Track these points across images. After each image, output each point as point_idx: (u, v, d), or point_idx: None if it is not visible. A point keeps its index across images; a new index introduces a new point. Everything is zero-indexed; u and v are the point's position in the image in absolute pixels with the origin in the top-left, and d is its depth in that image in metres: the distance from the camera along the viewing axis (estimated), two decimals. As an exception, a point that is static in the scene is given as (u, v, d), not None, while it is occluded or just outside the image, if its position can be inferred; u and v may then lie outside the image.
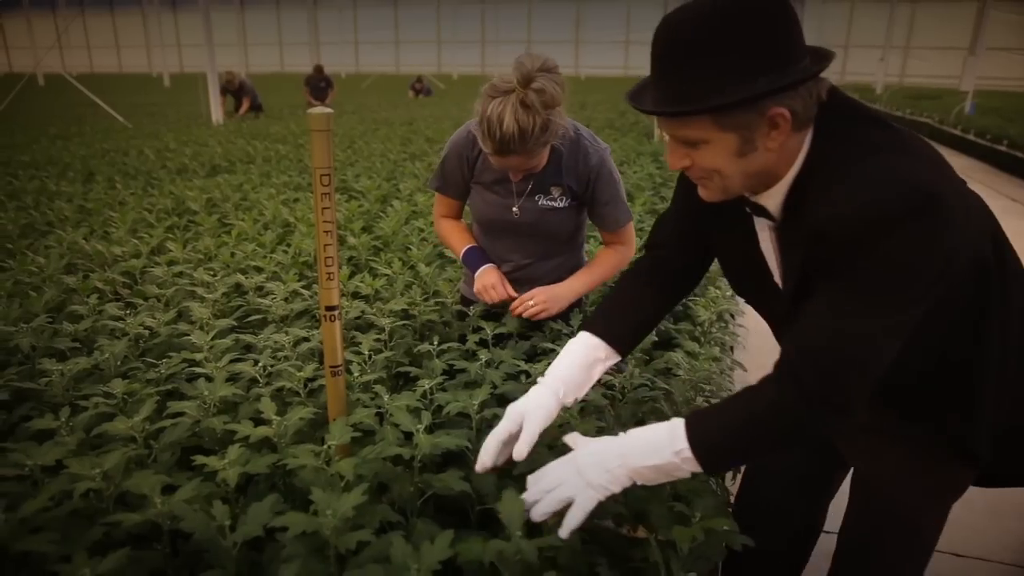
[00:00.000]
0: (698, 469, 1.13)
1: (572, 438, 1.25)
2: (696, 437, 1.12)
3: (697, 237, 1.44)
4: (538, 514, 1.16)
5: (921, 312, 1.06)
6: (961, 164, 11.14)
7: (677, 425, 1.14)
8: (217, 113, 9.89)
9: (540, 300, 1.98)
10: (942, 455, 1.32)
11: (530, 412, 1.32)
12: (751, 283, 1.37)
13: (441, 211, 2.22)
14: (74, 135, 8.00)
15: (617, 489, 1.15)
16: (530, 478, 1.21)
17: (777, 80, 1.00)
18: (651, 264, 1.52)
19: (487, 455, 1.30)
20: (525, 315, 1.99)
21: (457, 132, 2.08)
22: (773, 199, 1.18)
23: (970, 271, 1.16)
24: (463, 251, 2.13)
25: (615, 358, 1.43)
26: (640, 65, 33.21)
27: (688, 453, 1.11)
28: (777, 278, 1.30)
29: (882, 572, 1.49)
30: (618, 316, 1.45)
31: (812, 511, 1.70)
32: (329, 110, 1.22)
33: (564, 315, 2.08)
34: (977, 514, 2.69)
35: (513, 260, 2.13)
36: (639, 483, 1.16)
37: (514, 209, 2.03)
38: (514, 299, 2.02)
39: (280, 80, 26.98)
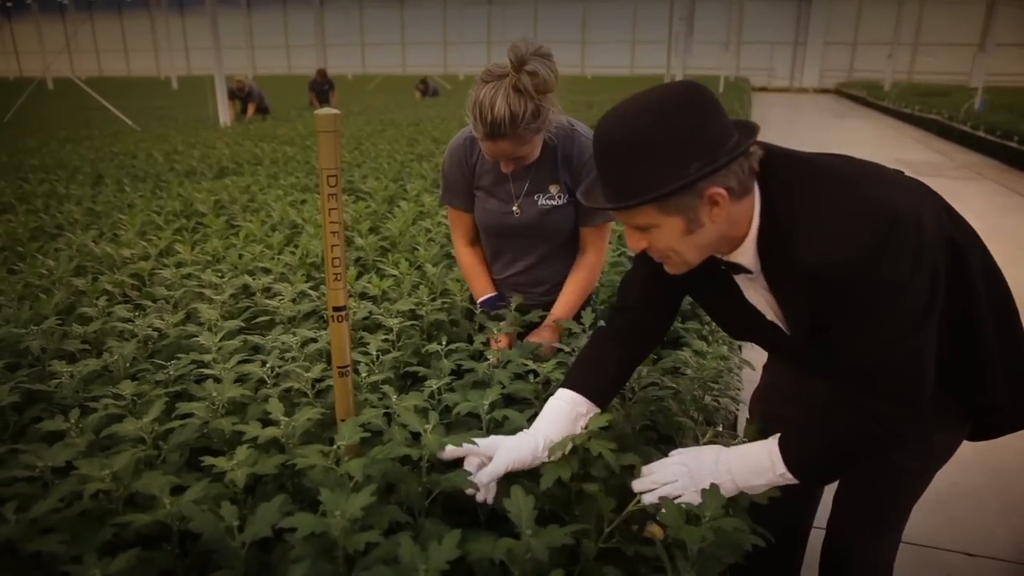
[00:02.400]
0: (795, 482, 1.29)
1: (678, 451, 1.38)
2: (794, 464, 1.26)
3: (664, 298, 1.52)
4: (647, 501, 1.29)
5: (938, 308, 1.18)
6: (971, 161, 11.07)
7: (774, 451, 1.28)
8: (225, 115, 9.93)
9: (545, 340, 1.99)
10: (956, 420, 1.48)
11: (504, 449, 1.37)
12: (744, 326, 1.46)
13: (458, 232, 2.18)
14: (83, 138, 8.04)
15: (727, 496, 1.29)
16: (644, 468, 1.34)
17: (708, 165, 1.10)
18: (621, 325, 1.55)
19: (449, 454, 1.37)
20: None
21: (453, 140, 2.07)
22: (744, 256, 1.27)
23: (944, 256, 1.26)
24: (480, 300, 2.15)
25: (595, 410, 1.48)
26: (646, 64, 33.18)
27: (790, 476, 1.27)
28: (772, 317, 1.38)
29: (880, 519, 1.66)
30: (592, 373, 1.50)
31: (806, 509, 1.89)
32: (336, 111, 1.22)
33: (575, 316, 2.07)
34: (990, 514, 2.67)
35: (520, 263, 2.13)
36: (748, 494, 1.32)
37: (514, 208, 2.02)
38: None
39: (287, 82, 27.07)
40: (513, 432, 1.46)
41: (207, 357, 1.81)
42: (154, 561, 1.17)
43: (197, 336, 1.96)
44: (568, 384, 1.48)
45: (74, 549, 1.12)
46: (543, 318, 2.07)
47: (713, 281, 1.38)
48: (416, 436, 1.39)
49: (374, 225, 3.39)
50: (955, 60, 27.38)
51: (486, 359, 1.80)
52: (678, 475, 1.30)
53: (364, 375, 1.68)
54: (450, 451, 1.35)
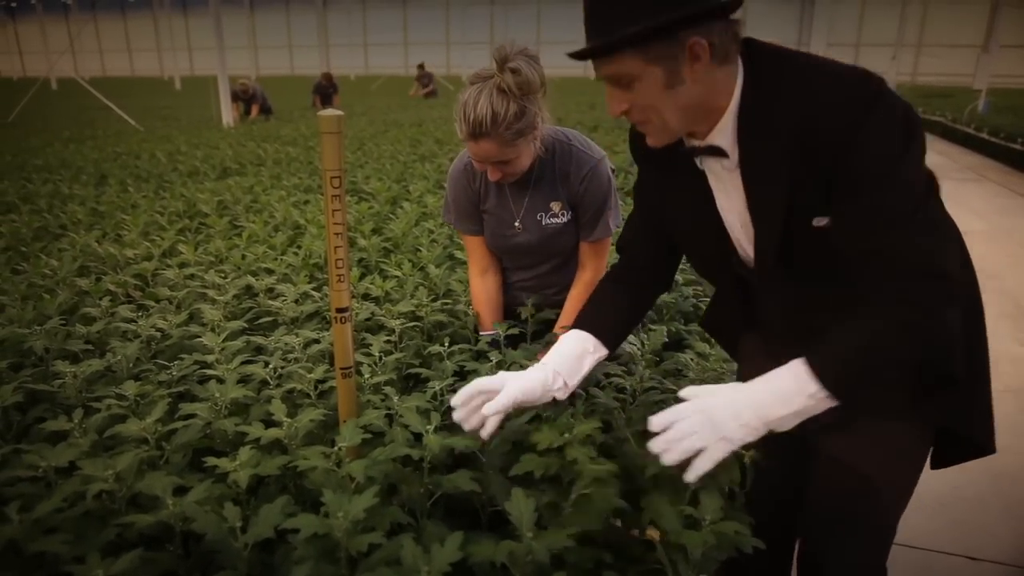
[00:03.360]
0: (834, 403, 1.16)
1: (689, 391, 1.26)
2: (826, 376, 1.15)
3: (660, 232, 1.50)
4: (668, 462, 1.20)
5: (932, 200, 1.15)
6: (974, 162, 11.06)
7: (800, 371, 1.17)
8: (228, 116, 9.95)
9: None
10: (926, 434, 1.43)
11: (512, 381, 1.39)
12: (714, 252, 1.41)
13: (473, 259, 2.16)
14: (87, 138, 8.06)
15: (753, 439, 1.19)
16: (655, 421, 1.23)
17: (689, 9, 1.09)
18: (624, 265, 1.59)
19: (457, 397, 1.39)
20: None
21: (453, 166, 2.06)
22: (722, 135, 1.22)
23: None
24: (484, 332, 2.11)
25: (603, 351, 1.49)
26: (649, 65, 33.13)
27: (822, 393, 1.14)
28: (740, 235, 1.33)
29: (853, 545, 1.54)
30: (597, 313, 1.52)
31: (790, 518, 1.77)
32: (340, 112, 1.23)
33: None
34: (992, 518, 2.67)
35: (529, 272, 2.14)
36: (776, 430, 1.20)
37: (516, 224, 2.01)
38: None
39: (290, 82, 27.10)
40: (515, 432, 1.46)
41: (210, 358, 1.81)
42: (157, 562, 1.17)
43: (200, 337, 1.96)
44: (576, 324, 1.51)
45: (77, 549, 1.13)
46: (558, 315, 2.08)
47: (688, 191, 1.36)
48: (418, 437, 1.39)
49: (377, 226, 3.39)
50: (959, 62, 27.29)
51: (488, 360, 1.80)
52: (696, 426, 1.19)
53: (367, 376, 1.69)
54: (460, 394, 1.38)
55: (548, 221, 1.99)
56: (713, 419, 1.18)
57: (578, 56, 1.23)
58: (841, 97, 1.09)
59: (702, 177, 1.33)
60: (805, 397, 1.15)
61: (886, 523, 1.52)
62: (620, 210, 2.07)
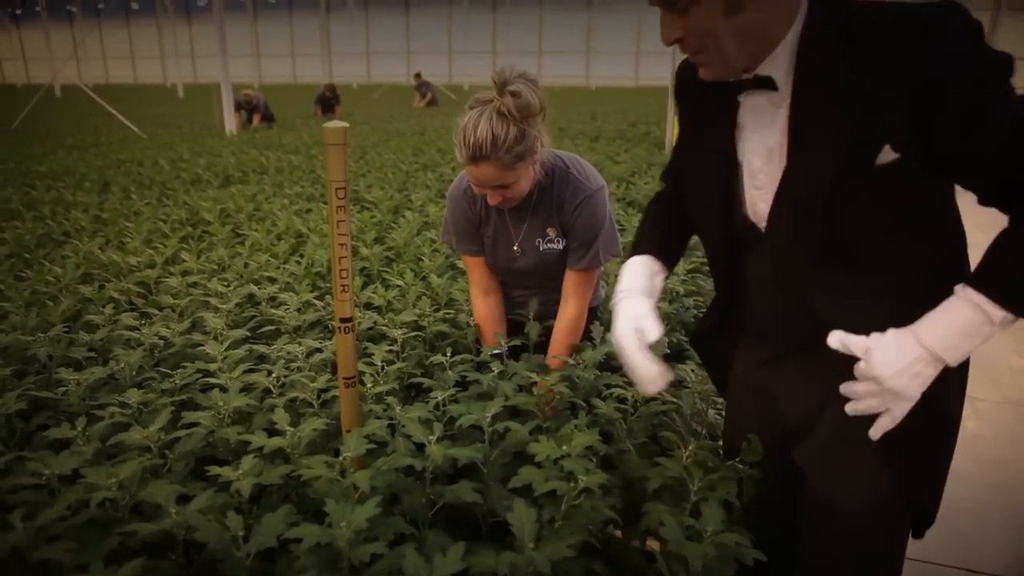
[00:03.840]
0: (1012, 324, 1.08)
1: (861, 350, 1.12)
2: (1006, 298, 1.05)
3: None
4: (851, 412, 1.15)
5: None
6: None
7: (977, 300, 1.06)
8: (231, 124, 9.99)
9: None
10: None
11: (638, 315, 1.34)
12: (716, 192, 1.30)
13: (474, 279, 2.12)
14: (90, 146, 8.09)
15: (928, 384, 1.11)
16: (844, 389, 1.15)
17: None
18: (669, 191, 1.55)
19: (651, 373, 1.32)
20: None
21: (453, 189, 2.03)
22: (776, 64, 1.13)
23: None
24: (486, 348, 2.07)
25: (665, 272, 1.48)
26: (651, 76, 33.29)
27: (1011, 317, 1.05)
28: (761, 178, 1.22)
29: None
30: (656, 236, 1.50)
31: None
32: (345, 124, 1.24)
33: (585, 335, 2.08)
34: (992, 530, 2.67)
35: (530, 291, 2.14)
36: (952, 364, 1.11)
37: (515, 248, 2.00)
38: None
39: (292, 91, 27.21)
40: (518, 443, 1.47)
41: (213, 366, 1.82)
42: (159, 570, 1.18)
43: (203, 345, 1.97)
44: (637, 251, 1.49)
45: (80, 557, 1.13)
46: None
47: (713, 128, 1.26)
48: (420, 447, 1.39)
49: (379, 235, 3.41)
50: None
51: (490, 370, 1.80)
52: (872, 393, 1.12)
53: (369, 386, 1.69)
54: (657, 384, 1.33)
55: (546, 247, 1.98)
56: (893, 389, 1.10)
57: None
58: (918, 15, 1.00)
59: (732, 113, 1.24)
60: (993, 327, 1.06)
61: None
62: (619, 241, 2.04)
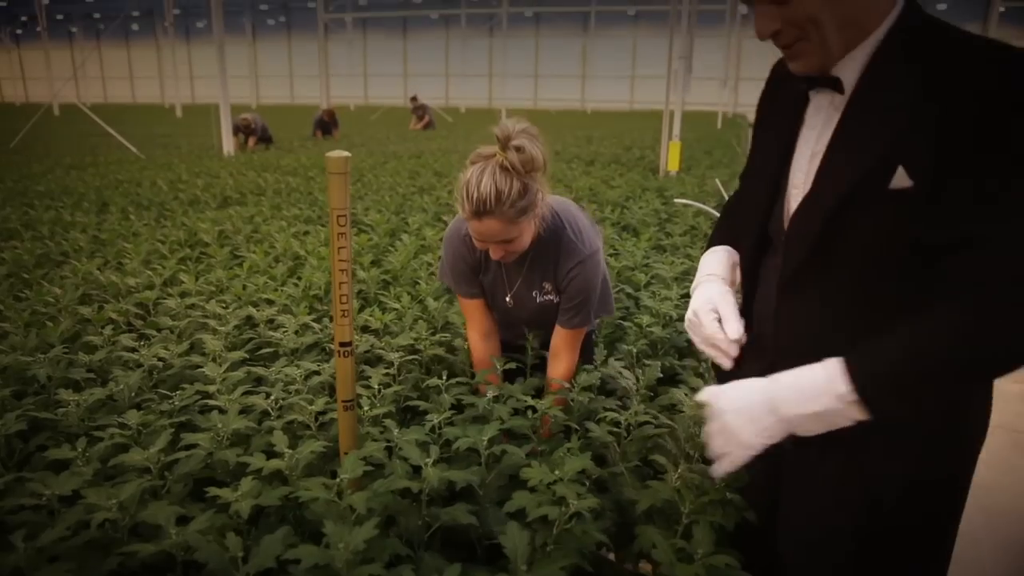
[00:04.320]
0: (863, 415, 1.02)
1: (708, 393, 1.18)
2: (862, 376, 1.01)
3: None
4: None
5: None
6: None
7: (833, 367, 1.03)
8: (229, 145, 10.05)
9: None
10: None
11: (717, 297, 1.32)
12: (764, 185, 1.26)
13: (472, 322, 2.10)
14: (88, 165, 8.13)
15: (775, 440, 1.10)
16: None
17: None
18: (742, 190, 1.49)
19: (728, 337, 1.28)
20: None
21: (450, 233, 2.02)
22: (849, 66, 1.09)
23: None
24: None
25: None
26: (646, 99, 33.62)
27: (852, 396, 1.01)
28: (800, 176, 1.19)
29: None
30: (732, 231, 1.47)
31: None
32: (346, 154, 1.27)
33: (587, 356, 2.10)
34: (984, 554, 2.68)
35: (526, 328, 2.13)
36: (799, 434, 1.08)
37: (508, 300, 2.02)
38: None
39: (290, 112, 27.38)
40: (513, 466, 1.49)
41: (212, 388, 1.84)
42: (159, 591, 1.19)
43: (202, 367, 1.99)
44: (714, 243, 1.48)
45: (81, 578, 1.15)
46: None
47: (778, 126, 1.24)
48: (417, 470, 1.42)
49: (376, 258, 3.44)
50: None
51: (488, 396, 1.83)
52: (715, 431, 1.15)
53: (366, 409, 1.71)
54: (731, 347, 1.29)
55: (542, 298, 1.99)
56: (728, 427, 1.12)
57: None
58: (1011, 69, 0.94)
59: (800, 111, 1.20)
60: (832, 397, 1.02)
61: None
62: (612, 300, 2.07)
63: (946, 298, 1.00)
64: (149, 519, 1.25)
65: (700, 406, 1.20)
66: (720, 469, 1.16)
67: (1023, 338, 0.96)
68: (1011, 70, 0.94)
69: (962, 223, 0.98)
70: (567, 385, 1.90)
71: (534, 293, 1.99)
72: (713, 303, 1.32)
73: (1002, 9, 12.43)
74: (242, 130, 11.39)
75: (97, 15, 42.73)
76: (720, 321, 1.29)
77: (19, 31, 41.76)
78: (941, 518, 1.22)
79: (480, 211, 1.69)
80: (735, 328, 1.28)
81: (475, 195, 1.68)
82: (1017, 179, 0.94)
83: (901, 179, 1.00)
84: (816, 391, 1.04)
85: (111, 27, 41.31)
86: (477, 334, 2.09)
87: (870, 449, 1.15)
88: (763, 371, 1.22)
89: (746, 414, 1.11)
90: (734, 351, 1.30)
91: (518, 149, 1.67)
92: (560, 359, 1.99)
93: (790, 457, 1.29)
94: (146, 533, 1.31)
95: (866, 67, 1.07)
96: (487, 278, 2.02)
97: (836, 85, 1.10)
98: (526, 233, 1.81)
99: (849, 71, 1.09)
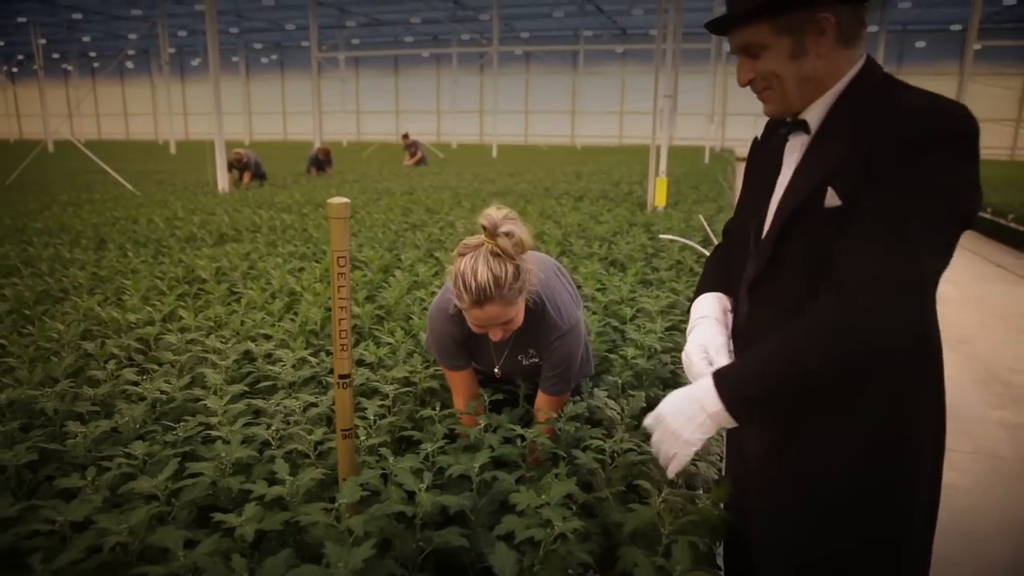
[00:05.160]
0: (731, 422, 1.27)
1: (648, 418, 1.38)
2: (728, 386, 1.26)
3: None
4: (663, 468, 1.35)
5: (955, 236, 1.19)
6: (948, 233, 11.35)
7: (703, 383, 1.29)
8: (223, 182, 10.18)
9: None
10: None
11: (708, 339, 1.48)
12: (752, 213, 1.48)
13: (459, 393, 2.14)
14: (85, 202, 8.21)
15: (710, 434, 1.30)
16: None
17: None
18: (725, 245, 1.69)
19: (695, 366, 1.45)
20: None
21: (436, 309, 2.07)
22: (817, 110, 1.32)
23: None
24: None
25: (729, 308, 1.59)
26: (635, 135, 34.16)
27: (718, 407, 1.27)
28: (776, 202, 1.39)
29: None
30: (723, 277, 1.62)
31: None
32: (346, 200, 1.38)
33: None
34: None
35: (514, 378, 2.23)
36: (727, 426, 1.30)
37: (496, 370, 2.12)
38: None
39: (283, 148, 27.66)
40: (503, 492, 1.57)
41: (213, 420, 1.91)
42: (168, 611, 1.26)
43: (203, 399, 2.07)
44: (706, 289, 1.61)
45: (95, 599, 1.22)
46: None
47: (766, 166, 1.45)
48: (411, 495, 1.49)
49: (370, 293, 3.53)
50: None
51: (478, 423, 1.91)
52: (663, 438, 1.34)
53: (363, 438, 1.79)
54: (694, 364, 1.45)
55: (529, 361, 2.09)
56: (670, 428, 1.32)
57: (717, 24, 1.33)
58: (938, 121, 1.15)
59: (781, 150, 1.43)
60: (705, 416, 1.28)
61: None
62: (592, 364, 2.16)
63: (816, 305, 1.23)
64: (158, 543, 1.33)
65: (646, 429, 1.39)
66: (672, 470, 1.32)
67: (831, 352, 1.19)
68: (916, 115, 1.16)
69: (855, 234, 1.20)
70: (553, 415, 1.99)
71: (520, 357, 2.08)
72: (704, 344, 1.47)
73: (978, 47, 12.78)
74: (235, 166, 11.53)
75: (93, 53, 43.29)
76: (711, 362, 1.45)
77: (15, 69, 42.20)
78: (892, 529, 1.35)
79: (481, 299, 1.76)
80: (723, 359, 1.44)
81: (473, 285, 1.74)
82: (896, 206, 1.16)
83: (832, 198, 1.24)
84: (690, 411, 1.30)
85: (107, 65, 41.83)
86: (463, 401, 2.12)
87: (817, 453, 1.35)
88: None
89: (683, 415, 1.31)
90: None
91: (507, 235, 1.76)
92: (541, 418, 2.05)
93: (754, 471, 1.48)
94: (151, 557, 1.38)
95: (827, 113, 1.31)
96: (475, 352, 2.10)
97: (804, 126, 1.34)
98: (521, 311, 1.89)
99: (814, 116, 1.32)
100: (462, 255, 1.80)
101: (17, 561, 1.36)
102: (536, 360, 2.08)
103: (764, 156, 1.49)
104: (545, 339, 2.01)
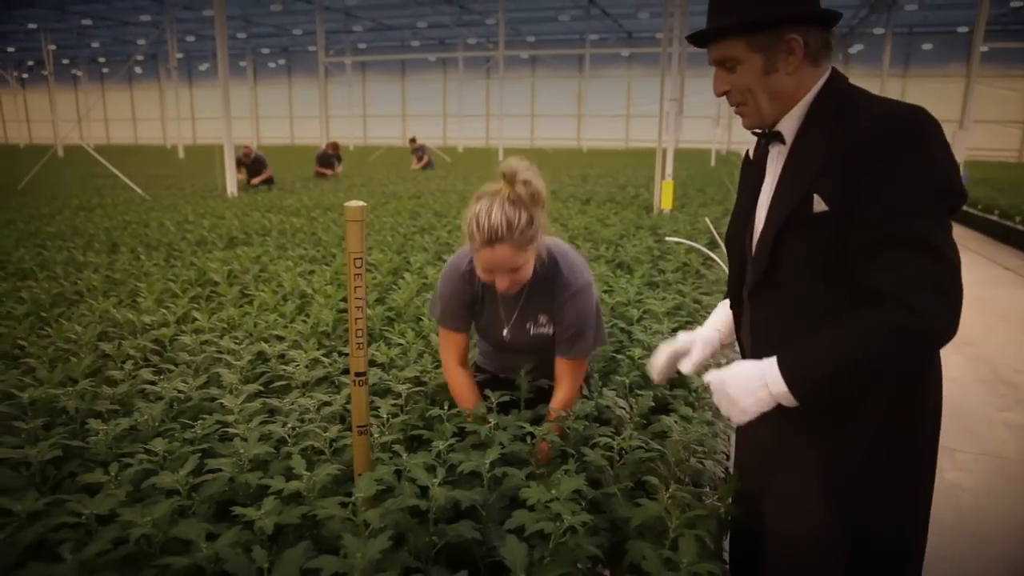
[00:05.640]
0: (792, 402, 1.32)
1: (713, 375, 1.45)
2: (791, 372, 1.33)
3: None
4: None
5: (948, 220, 1.27)
6: (956, 233, 11.33)
7: (767, 365, 1.36)
8: (232, 185, 10.26)
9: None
10: None
11: (699, 341, 1.73)
12: (740, 224, 1.59)
13: (449, 352, 2.18)
14: (96, 207, 8.29)
15: (767, 408, 1.36)
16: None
17: (792, 10, 1.34)
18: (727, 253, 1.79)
19: (658, 363, 1.78)
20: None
21: (452, 265, 2.12)
22: (788, 122, 1.42)
23: None
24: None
25: None
26: (641, 138, 34.18)
27: (783, 390, 1.32)
28: (763, 212, 1.48)
29: None
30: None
31: None
32: (362, 204, 1.43)
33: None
34: (972, 575, 2.77)
35: (510, 362, 2.25)
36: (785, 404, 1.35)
37: (504, 333, 2.15)
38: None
39: (290, 152, 27.79)
40: (513, 488, 1.61)
41: (230, 418, 1.96)
42: (192, 599, 1.30)
43: (218, 399, 2.11)
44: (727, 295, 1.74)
45: (122, 588, 1.26)
46: (550, 386, 2.16)
47: (750, 178, 1.57)
48: (424, 491, 1.54)
49: (380, 296, 3.58)
50: (939, 137, 28.27)
51: (487, 421, 1.95)
52: (721, 402, 1.42)
53: (376, 436, 1.84)
54: (655, 371, 1.79)
55: (536, 330, 2.13)
56: (732, 397, 1.39)
57: (697, 37, 1.43)
58: (900, 126, 1.25)
59: (764, 161, 1.53)
60: (766, 393, 1.34)
61: None
62: (605, 332, 2.17)
63: (864, 302, 1.29)
64: (181, 535, 1.38)
65: (706, 386, 1.47)
66: (735, 420, 1.42)
67: (892, 345, 1.25)
68: (880, 122, 1.26)
69: (854, 245, 1.30)
70: (563, 414, 2.03)
71: (528, 326, 2.11)
72: (689, 343, 1.74)
73: (985, 49, 12.78)
74: (243, 161, 11.61)
75: (102, 59, 43.62)
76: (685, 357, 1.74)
77: (25, 75, 42.56)
78: (903, 513, 1.48)
79: (492, 239, 1.83)
80: (687, 367, 1.73)
81: (486, 225, 1.82)
82: (896, 216, 1.24)
83: (820, 204, 1.33)
84: (752, 386, 1.37)
85: (116, 70, 42.12)
86: (454, 362, 2.17)
87: (829, 442, 1.44)
88: None
89: (744, 388, 1.38)
90: (656, 376, 1.81)
91: (525, 183, 1.85)
92: (562, 386, 2.10)
93: (771, 456, 1.57)
94: (176, 549, 1.43)
95: (800, 124, 1.41)
96: (484, 314, 2.15)
97: (779, 137, 1.44)
98: (530, 263, 1.94)
99: (788, 127, 1.42)
100: (479, 199, 1.87)
101: (45, 553, 1.41)
102: (544, 330, 2.11)
103: (750, 167, 1.59)
104: (557, 297, 2.04)
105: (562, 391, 2.10)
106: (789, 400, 1.32)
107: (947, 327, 1.23)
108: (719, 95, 1.46)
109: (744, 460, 1.75)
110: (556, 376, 2.13)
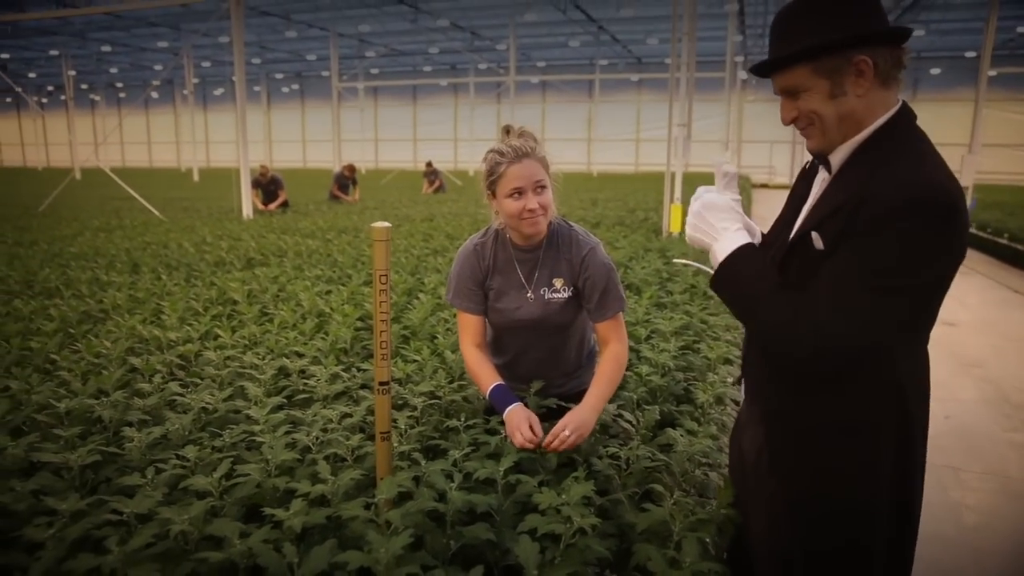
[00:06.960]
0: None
1: (705, 191, 1.62)
2: (722, 268, 1.48)
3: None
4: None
5: (923, 297, 1.30)
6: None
7: (723, 250, 1.50)
8: (248, 208, 10.45)
9: (572, 429, 1.91)
10: None
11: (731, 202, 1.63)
12: (780, 234, 1.61)
13: (466, 334, 2.23)
14: (115, 228, 8.49)
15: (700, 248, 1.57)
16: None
17: (858, 30, 1.31)
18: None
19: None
20: (562, 448, 1.91)
21: (463, 248, 2.25)
22: (841, 153, 1.41)
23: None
24: (490, 389, 2.10)
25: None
26: (651, 162, 34.40)
27: (716, 261, 1.50)
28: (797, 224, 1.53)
29: None
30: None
31: None
32: (388, 224, 1.54)
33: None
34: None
35: (525, 357, 2.32)
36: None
37: (528, 295, 2.20)
38: (541, 439, 1.94)
39: (303, 175, 28.15)
40: (526, 494, 1.71)
41: (256, 428, 2.07)
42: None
43: (244, 410, 2.22)
44: None
45: (165, 578, 1.36)
46: (559, 406, 2.18)
47: (796, 196, 1.60)
48: (442, 496, 1.63)
49: (396, 315, 3.69)
50: (946, 159, 28.31)
51: (499, 433, 2.04)
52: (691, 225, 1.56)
53: (395, 445, 1.93)
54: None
55: (551, 296, 2.20)
56: (699, 214, 1.56)
57: (759, 68, 1.43)
58: (904, 187, 1.25)
59: (810, 183, 1.56)
60: (714, 261, 1.53)
61: None
62: (624, 295, 2.24)
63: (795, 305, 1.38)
64: (216, 532, 1.48)
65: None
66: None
67: (779, 329, 1.38)
68: (900, 188, 1.26)
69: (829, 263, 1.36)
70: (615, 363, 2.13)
71: (543, 291, 2.18)
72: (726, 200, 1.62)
73: (992, 74, 12.89)
74: (261, 183, 11.80)
75: (120, 84, 44.47)
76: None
77: (44, 100, 43.45)
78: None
79: (520, 153, 2.02)
80: (728, 167, 1.65)
81: (513, 144, 2.03)
82: (860, 274, 1.28)
83: (817, 242, 1.39)
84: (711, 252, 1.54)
85: (134, 95, 42.91)
86: (471, 343, 2.23)
87: (802, 473, 1.50)
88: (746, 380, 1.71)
89: (707, 227, 1.54)
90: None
91: (521, 134, 2.07)
92: (609, 344, 2.18)
93: (750, 481, 1.64)
94: (209, 546, 1.53)
95: (846, 160, 1.40)
96: (498, 283, 2.22)
97: (828, 164, 1.44)
98: (551, 197, 2.09)
99: (838, 158, 1.42)
100: (498, 143, 2.08)
101: (89, 549, 1.51)
102: (559, 295, 2.18)
103: (802, 181, 1.61)
104: (577, 256, 2.16)
105: (613, 345, 2.17)
106: (713, 263, 1.50)
107: (809, 359, 1.34)
108: (787, 123, 1.45)
109: (735, 469, 1.81)
110: (600, 339, 2.23)
